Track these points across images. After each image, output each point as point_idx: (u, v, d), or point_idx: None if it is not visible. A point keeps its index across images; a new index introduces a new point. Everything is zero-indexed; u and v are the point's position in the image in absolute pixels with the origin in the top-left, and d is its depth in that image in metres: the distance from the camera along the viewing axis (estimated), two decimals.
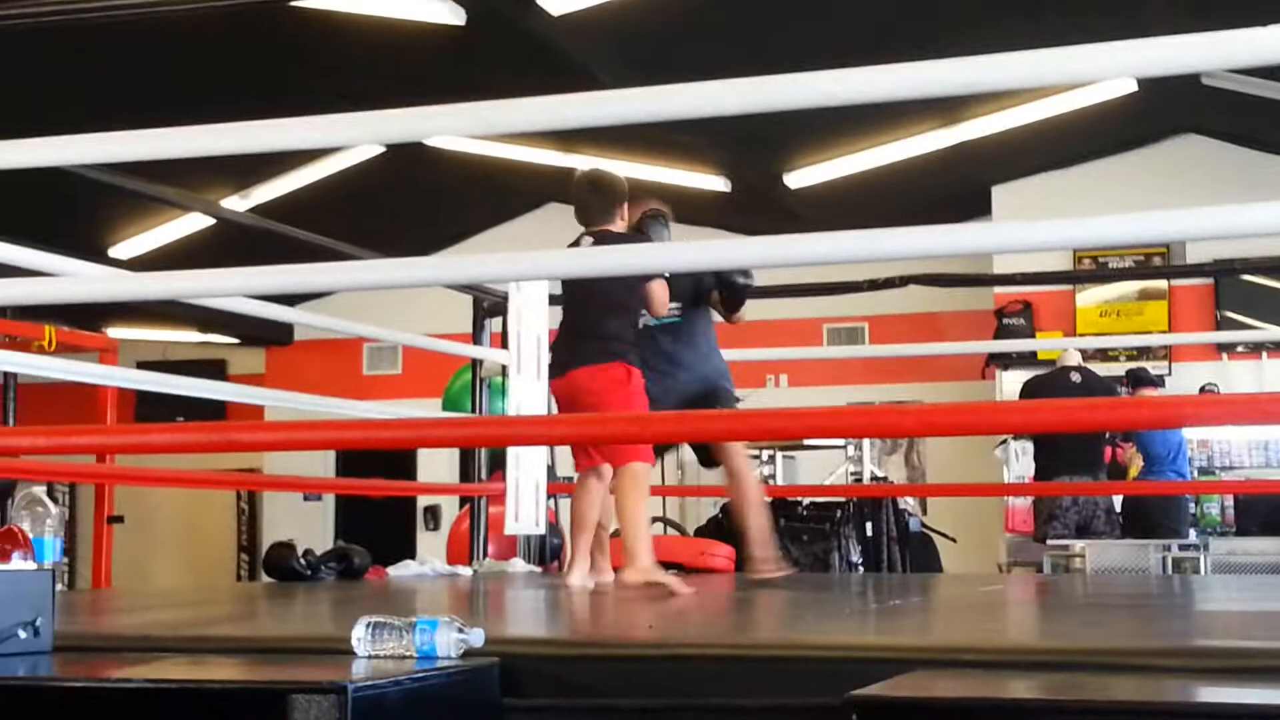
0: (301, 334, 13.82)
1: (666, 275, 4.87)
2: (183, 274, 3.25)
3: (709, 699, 2.26)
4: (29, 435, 3.25)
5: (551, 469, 6.63)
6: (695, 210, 10.77)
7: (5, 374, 6.84)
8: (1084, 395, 8.16)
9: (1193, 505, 9.81)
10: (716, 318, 5.38)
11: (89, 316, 11.31)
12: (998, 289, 11.19)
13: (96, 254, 10.46)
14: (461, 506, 8.61)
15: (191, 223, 11.19)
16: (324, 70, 8.89)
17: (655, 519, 8.13)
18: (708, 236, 10.63)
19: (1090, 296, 11.47)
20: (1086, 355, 9.42)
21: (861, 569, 7.32)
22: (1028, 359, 10.91)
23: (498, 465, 6.66)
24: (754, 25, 8.27)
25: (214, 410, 11.39)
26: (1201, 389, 10.05)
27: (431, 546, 10.77)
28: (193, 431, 2.86)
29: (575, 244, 4.89)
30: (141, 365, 11.78)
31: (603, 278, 4.54)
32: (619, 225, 4.88)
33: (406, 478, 11.95)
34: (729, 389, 5.31)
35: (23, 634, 2.30)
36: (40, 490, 3.33)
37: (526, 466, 6.20)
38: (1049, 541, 8.51)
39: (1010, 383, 11.00)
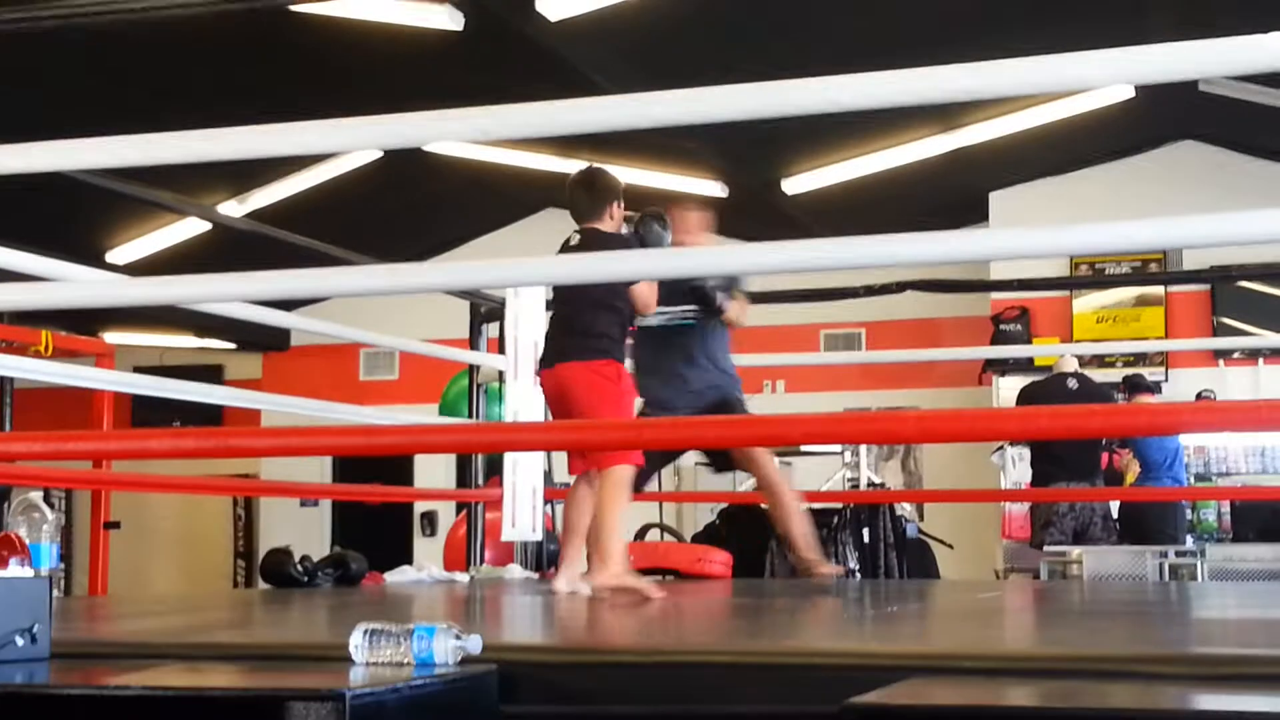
0: (298, 339, 13.82)
1: None
2: (180, 279, 3.24)
3: (707, 706, 2.26)
4: (25, 440, 3.25)
5: (548, 474, 6.63)
6: None
7: (1, 378, 6.85)
8: (1081, 401, 8.16)
9: (1189, 511, 9.83)
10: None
11: (85, 321, 11.30)
12: (995, 294, 11.20)
13: (93, 258, 10.44)
14: (458, 512, 8.61)
15: (188, 228, 11.19)
16: (323, 75, 8.89)
17: (652, 525, 8.12)
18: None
19: (1087, 302, 11.48)
20: (1083, 361, 9.43)
21: (858, 575, 7.31)
22: (1024, 365, 10.92)
23: (494, 471, 6.67)
24: (752, 31, 8.28)
25: (210, 415, 11.40)
26: (1198, 395, 10.05)
27: (428, 552, 10.76)
28: (190, 437, 2.85)
29: (566, 241, 4.91)
30: (138, 370, 11.77)
31: None
32: (608, 224, 4.88)
33: (403, 483, 11.95)
34: (740, 398, 5.28)
35: (20, 641, 2.29)
36: (37, 496, 3.33)
37: (523, 472, 6.20)
38: (1046, 548, 8.51)
39: (1007, 389, 11.00)
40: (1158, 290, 11.33)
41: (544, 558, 6.64)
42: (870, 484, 8.78)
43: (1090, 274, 11.16)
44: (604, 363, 4.75)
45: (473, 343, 6.75)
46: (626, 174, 8.26)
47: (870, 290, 7.02)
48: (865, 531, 7.72)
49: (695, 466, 10.99)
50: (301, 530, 12.69)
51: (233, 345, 13.92)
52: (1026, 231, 2.84)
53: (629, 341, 5.10)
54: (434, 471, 12.06)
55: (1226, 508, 9.76)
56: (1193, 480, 10.41)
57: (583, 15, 7.82)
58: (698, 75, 2.83)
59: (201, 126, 2.77)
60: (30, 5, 6.15)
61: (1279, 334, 10.11)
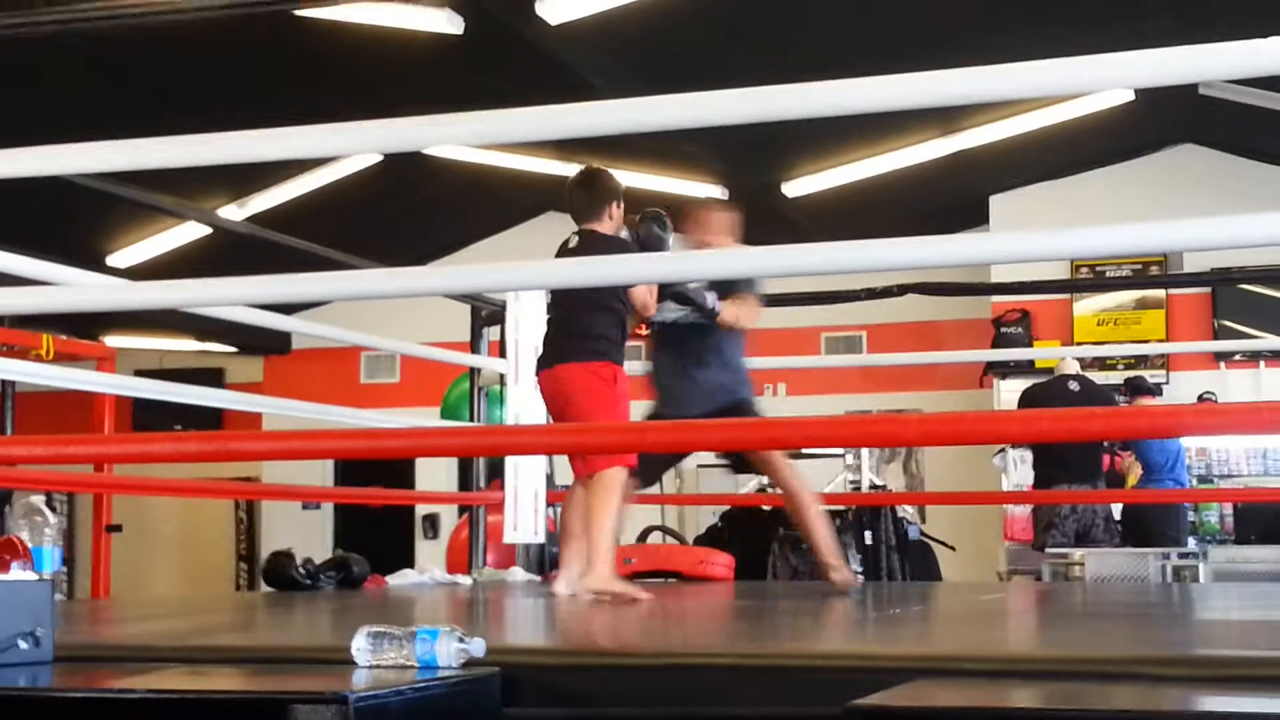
0: (299, 342, 13.81)
1: None
2: (180, 283, 3.25)
3: (710, 709, 2.26)
4: (27, 444, 3.26)
5: (550, 477, 6.63)
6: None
7: (3, 382, 6.85)
8: (1083, 404, 8.17)
9: (1191, 513, 9.82)
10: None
11: (86, 325, 11.31)
12: (995, 297, 11.20)
13: (94, 262, 10.44)
14: (461, 515, 8.61)
15: (189, 231, 11.18)
16: (323, 79, 8.89)
17: (654, 528, 8.12)
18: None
19: (1088, 305, 11.48)
20: (1084, 364, 9.43)
21: (861, 577, 7.30)
22: (1025, 368, 10.92)
23: (496, 474, 6.67)
24: (752, 35, 8.28)
25: (212, 418, 11.39)
26: (1199, 397, 10.05)
27: (431, 555, 10.75)
28: (192, 441, 2.86)
29: (564, 243, 4.90)
30: (139, 374, 11.75)
31: None
32: (607, 225, 4.86)
33: (405, 486, 11.95)
34: (753, 400, 5.24)
35: (23, 644, 2.29)
36: (39, 500, 3.34)
37: (525, 475, 6.20)
38: (1048, 550, 8.51)
39: (1008, 391, 11.00)
40: (1158, 293, 11.33)
41: (546, 560, 6.64)
42: (872, 486, 8.78)
43: (1091, 277, 11.15)
44: (601, 365, 4.74)
45: (474, 346, 6.75)
46: (627, 178, 8.25)
47: (871, 293, 7.02)
48: (867, 534, 7.72)
49: (697, 469, 11.01)
50: (303, 533, 12.68)
51: (234, 349, 13.92)
52: (1027, 235, 2.84)
53: (645, 342, 5.09)
54: (436, 474, 12.07)
55: (1229, 510, 9.76)
56: (1195, 482, 10.41)
57: (582, 19, 7.83)
58: (697, 79, 2.83)
59: (204, 130, 2.77)
60: (30, 10, 6.16)
61: None
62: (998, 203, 11.61)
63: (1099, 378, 9.82)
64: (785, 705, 2.21)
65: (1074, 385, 8.59)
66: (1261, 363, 10.99)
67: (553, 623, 3.86)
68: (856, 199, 11.03)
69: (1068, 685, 2.07)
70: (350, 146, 3.42)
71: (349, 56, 8.59)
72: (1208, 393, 10.25)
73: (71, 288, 4.15)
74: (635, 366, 5.12)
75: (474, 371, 6.86)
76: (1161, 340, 11.10)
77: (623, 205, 4.95)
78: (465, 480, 7.60)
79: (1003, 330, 11.42)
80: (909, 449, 12.03)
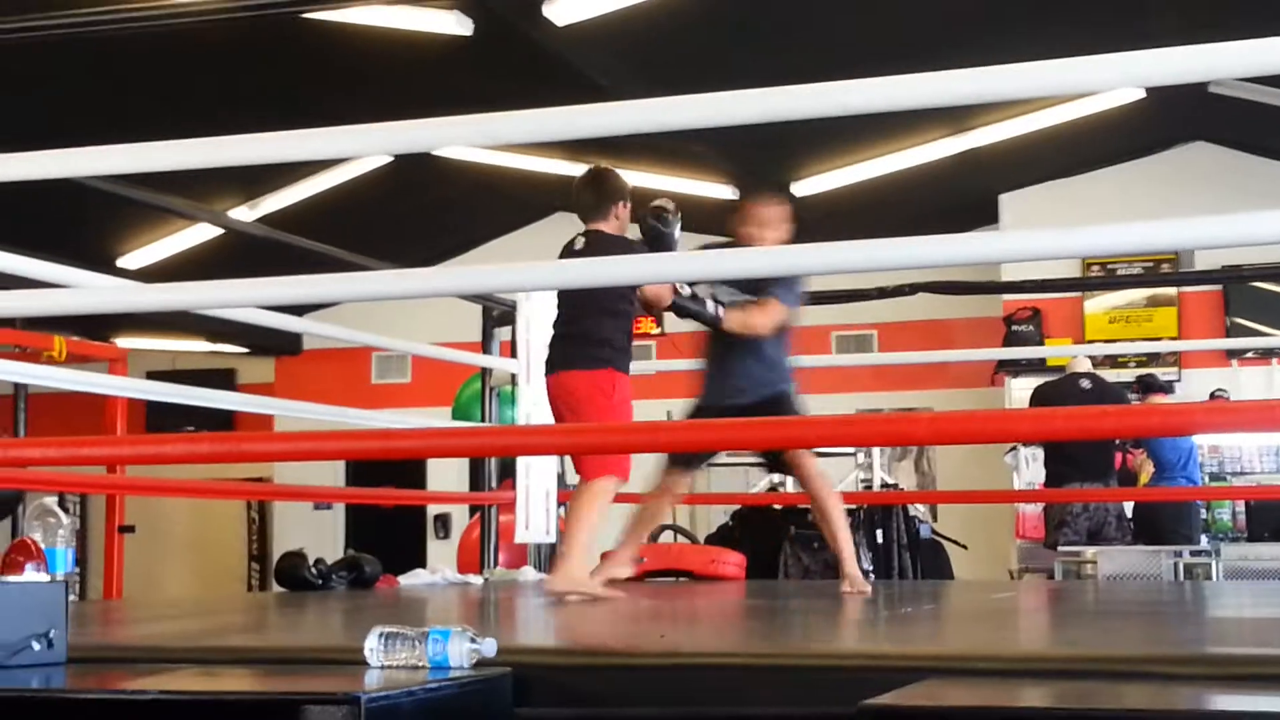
0: (310, 343, 13.83)
1: None
2: (192, 285, 3.25)
3: (722, 709, 2.26)
4: (40, 446, 3.26)
5: (562, 477, 6.64)
6: (703, 219, 10.76)
7: (16, 385, 6.87)
8: (1095, 402, 8.15)
9: (1204, 511, 9.79)
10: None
11: (98, 327, 11.34)
12: (1006, 296, 11.18)
13: (105, 264, 10.48)
14: (472, 515, 8.62)
15: (200, 233, 11.21)
16: (331, 81, 8.91)
17: (666, 527, 8.11)
18: None
19: (1099, 303, 11.46)
20: (1096, 362, 9.41)
21: (873, 576, 7.29)
22: (1037, 366, 10.89)
23: (508, 474, 6.67)
24: (760, 35, 8.27)
25: (223, 420, 11.41)
26: (1211, 395, 10.02)
27: (442, 555, 10.76)
28: (204, 442, 2.86)
29: (570, 243, 4.89)
30: (151, 375, 11.76)
31: None
32: (612, 225, 4.84)
33: (417, 486, 11.96)
34: (793, 396, 5.20)
35: (36, 646, 2.30)
36: (52, 501, 3.35)
37: (537, 475, 6.21)
38: (1060, 548, 8.50)
39: (1019, 389, 10.98)
40: (1170, 291, 11.30)
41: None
42: (884, 485, 8.76)
43: (1102, 275, 11.12)
44: (603, 374, 4.72)
45: (485, 346, 6.76)
46: (636, 178, 8.28)
47: (882, 292, 7.01)
48: (879, 532, 7.71)
49: (708, 468, 11.00)
50: (315, 533, 12.70)
51: (245, 350, 13.94)
52: (1038, 233, 2.84)
53: (695, 337, 5.06)
54: (447, 474, 12.07)
55: (1241, 507, 9.73)
56: (1207, 480, 10.38)
57: (590, 20, 7.83)
58: (703, 79, 2.83)
59: (214, 133, 2.78)
60: (38, 15, 6.18)
61: None
62: (1007, 201, 11.59)
63: (1111, 376, 9.80)
64: (797, 705, 2.21)
65: (1085, 383, 8.57)
66: (1274, 360, 10.96)
67: (565, 623, 3.86)
68: (866, 198, 11.01)
69: (1080, 685, 2.07)
70: (360, 148, 3.44)
71: (358, 58, 8.61)
72: (1220, 390, 10.22)
73: (83, 290, 4.17)
74: (643, 366, 5.09)
75: (485, 372, 6.87)
76: (1173, 338, 11.07)
77: (629, 205, 4.93)
78: (476, 480, 7.61)
79: (1014, 328, 11.40)
80: (920, 448, 12.01)
